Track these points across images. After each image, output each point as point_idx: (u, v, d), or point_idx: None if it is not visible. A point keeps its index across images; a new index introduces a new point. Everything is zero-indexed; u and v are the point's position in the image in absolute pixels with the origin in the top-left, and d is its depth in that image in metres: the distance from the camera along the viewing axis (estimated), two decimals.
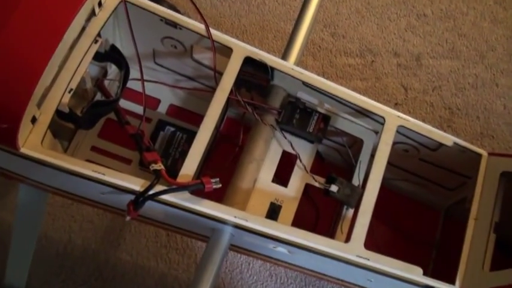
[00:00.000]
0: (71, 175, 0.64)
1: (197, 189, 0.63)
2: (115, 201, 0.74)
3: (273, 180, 0.75)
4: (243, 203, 0.72)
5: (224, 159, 0.80)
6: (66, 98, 0.65)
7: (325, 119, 0.76)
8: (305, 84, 0.73)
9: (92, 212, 1.04)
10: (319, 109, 0.77)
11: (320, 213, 0.82)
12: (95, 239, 1.03)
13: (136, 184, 0.63)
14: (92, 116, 0.71)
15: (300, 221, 0.73)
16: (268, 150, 0.76)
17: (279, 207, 0.73)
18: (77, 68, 0.66)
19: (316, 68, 1.19)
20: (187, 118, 0.84)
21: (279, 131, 0.75)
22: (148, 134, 0.80)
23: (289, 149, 0.76)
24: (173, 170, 0.76)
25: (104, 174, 0.63)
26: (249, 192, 0.73)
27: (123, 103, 0.79)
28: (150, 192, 0.62)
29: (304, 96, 0.76)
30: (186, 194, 0.64)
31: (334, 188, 0.72)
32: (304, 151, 0.77)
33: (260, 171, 0.75)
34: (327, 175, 0.74)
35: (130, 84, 0.76)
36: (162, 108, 0.85)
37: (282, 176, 0.76)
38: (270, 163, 0.75)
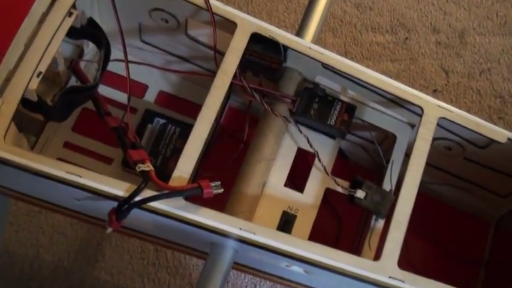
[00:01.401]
0: (39, 177, 0.65)
1: (194, 195, 0.63)
2: (93, 209, 0.74)
3: (286, 185, 0.75)
4: (249, 211, 0.72)
5: (225, 159, 0.80)
6: (34, 83, 0.65)
7: (350, 109, 0.76)
8: (325, 66, 0.72)
9: (64, 221, 1.04)
10: (342, 97, 0.77)
11: (343, 225, 0.82)
12: (67, 254, 1.03)
13: (119, 188, 0.63)
14: (66, 106, 0.71)
15: (318, 234, 0.73)
16: (279, 147, 0.76)
17: (294, 217, 0.73)
18: (47, 46, 0.66)
19: (338, 47, 1.19)
20: (181, 108, 0.84)
21: (293, 124, 0.75)
22: (134, 127, 0.80)
23: (306, 146, 0.76)
24: (164, 171, 0.78)
25: (80, 176, 0.63)
26: (256, 198, 0.73)
27: (103, 89, 0.79)
28: (137, 199, 0.62)
29: (324, 81, 0.76)
30: (180, 201, 0.64)
31: (360, 193, 0.72)
32: (324, 148, 0.77)
33: (270, 173, 0.75)
34: (351, 178, 0.74)
35: (112, 66, 0.76)
36: (150, 96, 0.85)
37: (296, 179, 0.76)
38: (282, 163, 0.75)
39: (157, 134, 0.81)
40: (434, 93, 1.18)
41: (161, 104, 0.84)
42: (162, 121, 0.82)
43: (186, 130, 0.80)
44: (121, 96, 0.83)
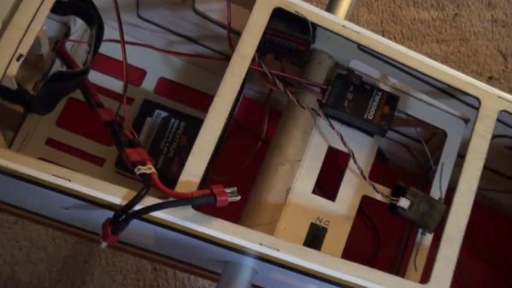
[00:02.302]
0: (18, 180, 0.65)
1: (205, 204, 0.63)
2: (83, 220, 0.74)
3: (315, 191, 0.75)
4: (270, 224, 0.72)
5: (240, 160, 0.80)
6: (14, 68, 0.65)
7: (392, 100, 0.76)
8: (362, 48, 0.72)
9: (45, 234, 1.05)
10: (382, 86, 0.77)
11: (382, 240, 0.82)
12: (48, 274, 1.03)
13: (116, 195, 0.63)
14: (50, 95, 0.71)
15: (353, 251, 0.73)
16: (306, 146, 0.76)
17: (324, 230, 0.73)
18: (29, 24, 0.66)
19: (373, 25, 1.18)
20: (186, 98, 0.85)
21: (323, 118, 0.75)
22: (131, 121, 0.80)
23: (339, 145, 0.75)
24: (166, 174, 0.78)
25: (69, 180, 0.63)
26: (279, 208, 0.73)
27: (93, 76, 0.79)
28: (137, 208, 0.63)
29: (361, 66, 0.76)
30: (188, 210, 0.64)
31: (404, 202, 0.72)
32: (361, 148, 0.76)
33: (295, 178, 0.75)
34: (392, 184, 0.74)
35: (102, 48, 0.76)
36: (149, 84, 0.85)
37: (327, 185, 0.76)
38: (310, 166, 0.75)
39: (158, 129, 0.81)
40: (490, 80, 1.17)
41: (162, 94, 0.85)
42: (163, 114, 0.82)
43: (192, 125, 0.81)
44: (114, 84, 0.84)
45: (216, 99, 0.67)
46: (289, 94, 0.74)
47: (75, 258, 1.04)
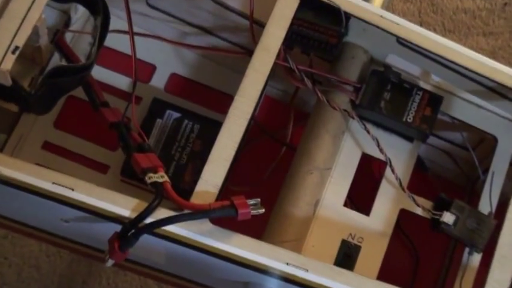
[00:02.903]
0: (11, 188, 0.65)
1: (225, 217, 0.63)
2: (84, 234, 0.74)
3: (346, 204, 0.75)
4: (297, 241, 0.72)
5: (262, 168, 0.80)
6: (8, 62, 0.65)
7: (434, 101, 0.75)
8: (402, 42, 0.72)
9: (37, 250, 1.05)
10: (423, 84, 0.77)
11: (421, 259, 0.82)
12: None
13: (125, 206, 0.64)
14: (48, 92, 0.71)
15: (389, 271, 0.73)
16: (337, 153, 0.76)
17: (357, 248, 0.74)
18: (26, 13, 0.66)
19: (410, 16, 1.18)
20: (201, 97, 0.85)
21: (357, 121, 0.75)
22: (138, 122, 0.80)
23: (374, 152, 0.76)
24: (178, 184, 0.78)
25: (72, 189, 0.63)
26: (306, 223, 0.74)
27: (97, 72, 0.79)
28: (148, 221, 0.63)
29: (399, 62, 0.76)
30: (205, 224, 0.64)
31: (448, 217, 0.72)
32: (399, 155, 0.77)
33: (325, 189, 0.75)
34: (434, 196, 0.74)
35: (110, 40, 0.76)
36: (159, 81, 0.86)
37: (360, 197, 0.77)
38: (341, 175, 0.76)
39: (169, 132, 0.81)
40: None
41: (174, 92, 0.85)
42: (175, 115, 0.82)
43: (208, 128, 0.81)
44: (120, 81, 0.84)
45: (237, 98, 0.67)
46: (318, 93, 0.74)
47: (72, 279, 1.04)
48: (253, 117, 0.73)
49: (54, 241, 0.82)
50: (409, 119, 0.75)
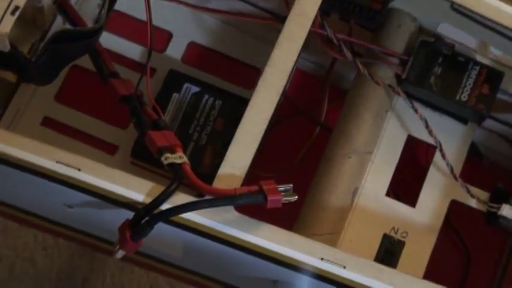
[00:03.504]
0: (9, 167, 0.65)
1: (251, 204, 0.63)
2: (90, 222, 0.75)
3: (389, 194, 0.75)
4: (332, 233, 0.72)
5: (293, 151, 0.80)
6: (7, 24, 0.64)
7: (493, 77, 0.75)
8: (457, 8, 0.72)
9: (33, 242, 1.05)
10: (480, 58, 0.76)
11: (473, 258, 0.82)
12: None
13: (139, 190, 0.63)
14: (51, 60, 0.70)
15: (436, 271, 0.73)
16: (380, 134, 0.76)
17: (400, 244, 0.74)
18: None
19: None
20: (223, 69, 0.85)
21: (403, 98, 0.75)
22: (154, 96, 0.79)
23: (422, 134, 0.76)
24: (196, 167, 0.77)
25: (79, 169, 0.63)
26: (343, 214, 0.74)
27: (107, 39, 0.79)
28: (164, 207, 0.62)
29: (453, 32, 0.75)
30: (230, 213, 0.64)
31: (507, 211, 0.72)
32: (450, 139, 0.76)
33: (365, 176, 0.75)
34: (491, 187, 0.74)
35: (121, 3, 0.76)
36: (176, 50, 0.86)
37: (405, 186, 0.77)
38: (384, 160, 0.76)
39: (187, 109, 0.81)
40: None
41: (193, 63, 0.85)
42: (194, 89, 0.82)
43: (231, 104, 0.81)
44: (130, 50, 0.84)
45: (267, 69, 0.67)
46: (359, 66, 0.73)
47: (71, 275, 1.04)
48: (284, 93, 0.73)
49: (54, 230, 0.82)
50: (464, 97, 0.74)
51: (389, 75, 0.76)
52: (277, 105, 0.68)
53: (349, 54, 0.73)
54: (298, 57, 0.69)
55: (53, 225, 0.81)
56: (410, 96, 0.75)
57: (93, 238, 0.79)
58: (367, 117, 0.75)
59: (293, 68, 0.69)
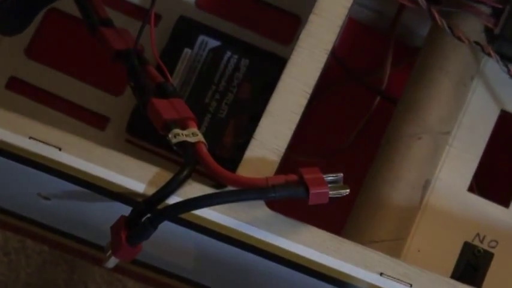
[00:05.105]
0: None
1: (289, 198, 0.63)
2: (71, 218, 0.75)
3: (473, 189, 0.76)
4: (394, 240, 0.73)
5: (341, 128, 0.81)
6: None
7: None
8: None
9: (2, 240, 1.06)
10: None
11: None
12: None
13: (139, 177, 0.64)
14: (21, 3, 0.72)
15: None
16: (462, 108, 0.76)
17: (487, 255, 0.74)
18: None
19: None
20: (252, 17, 0.85)
21: (496, 60, 0.75)
22: (159, 53, 0.81)
23: None
24: (214, 147, 0.79)
25: (59, 148, 0.64)
26: (410, 214, 0.74)
27: None
28: (173, 200, 0.63)
29: None
30: (260, 209, 0.64)
31: None
32: None
33: (440, 163, 0.76)
34: None
35: None
36: None
37: (495, 179, 0.78)
38: (467, 143, 0.76)
39: (203, 69, 0.82)
40: None
41: (210, 8, 0.86)
42: (212, 43, 0.83)
43: (261, 64, 0.82)
44: None
45: (312, 18, 0.67)
46: (436, 16, 0.73)
47: (49, 285, 1.05)
48: (333, 50, 0.74)
49: (20, 228, 0.83)
50: None
51: (477, 29, 0.76)
52: (324, 67, 0.69)
53: (422, 2, 0.73)
54: (352, 2, 0.70)
55: (19, 222, 0.82)
56: (505, 58, 0.75)
57: (74, 240, 0.80)
58: (445, 85, 0.75)
59: (346, 17, 0.70)
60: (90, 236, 0.77)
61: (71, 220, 0.76)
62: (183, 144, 0.65)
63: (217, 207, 0.63)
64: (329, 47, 0.67)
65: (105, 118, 0.82)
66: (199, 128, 0.70)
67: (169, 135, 0.65)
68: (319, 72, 0.67)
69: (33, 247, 1.02)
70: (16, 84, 0.83)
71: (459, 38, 0.74)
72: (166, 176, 0.63)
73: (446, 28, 0.73)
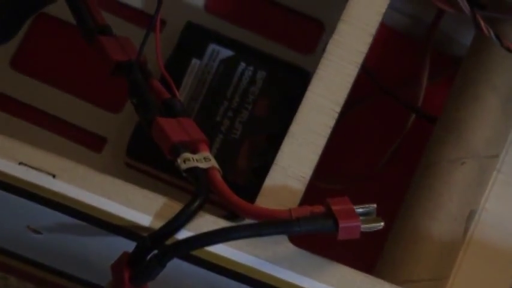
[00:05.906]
0: None
1: (318, 232, 0.63)
2: (65, 255, 0.75)
3: None
4: (435, 279, 0.73)
5: (373, 149, 0.81)
6: None
7: None
8: None
9: None
10: None
11: None
12: None
13: (144, 208, 0.64)
14: (9, 7, 0.73)
15: None
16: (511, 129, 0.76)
17: None
18: None
19: None
20: (270, 24, 0.86)
21: None
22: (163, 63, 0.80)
23: None
24: (227, 172, 0.78)
25: (53, 175, 0.64)
26: (452, 249, 0.74)
27: None
28: (183, 235, 0.63)
29: None
30: (284, 245, 0.64)
31: None
32: None
33: (486, 191, 0.76)
34: None
35: None
36: None
37: None
38: None
39: (214, 83, 0.83)
40: None
41: (221, 13, 0.86)
42: (224, 52, 0.83)
43: (281, 76, 0.82)
44: None
45: (340, 27, 0.68)
46: (481, 23, 0.73)
47: None
48: (364, 62, 0.74)
49: (5, 264, 0.83)
50: None
51: None
52: (354, 80, 0.69)
53: (465, 4, 0.74)
54: (387, 7, 0.70)
55: (4, 258, 0.82)
56: None
57: (67, 280, 0.81)
58: (491, 102, 0.75)
59: (378, 24, 0.70)
60: (86, 275, 0.78)
61: (63, 256, 0.76)
62: (194, 170, 0.65)
63: (233, 242, 0.63)
64: (360, 59, 0.68)
65: (101, 138, 0.83)
66: (210, 150, 0.71)
67: (178, 160, 0.65)
68: (348, 88, 0.68)
69: (17, 285, 1.03)
70: (0, 101, 0.83)
71: (507, 49, 0.74)
72: (176, 206, 0.64)
73: (493, 37, 0.74)
